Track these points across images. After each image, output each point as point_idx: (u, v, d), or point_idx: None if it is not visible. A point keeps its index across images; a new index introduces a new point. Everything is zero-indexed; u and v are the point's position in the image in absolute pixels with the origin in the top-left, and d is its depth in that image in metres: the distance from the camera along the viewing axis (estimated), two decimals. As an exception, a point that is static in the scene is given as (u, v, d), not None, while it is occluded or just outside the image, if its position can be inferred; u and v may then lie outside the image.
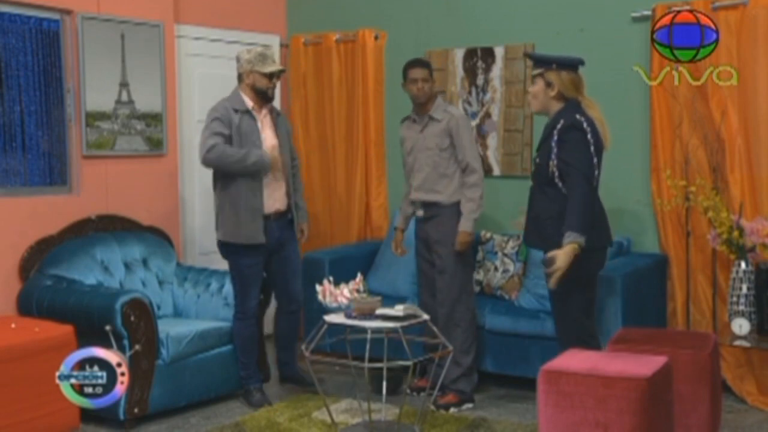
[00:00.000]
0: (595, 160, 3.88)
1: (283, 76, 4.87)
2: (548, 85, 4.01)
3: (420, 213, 4.87)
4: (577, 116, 3.90)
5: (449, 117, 4.78)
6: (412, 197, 4.91)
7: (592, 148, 3.87)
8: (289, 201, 4.88)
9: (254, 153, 4.63)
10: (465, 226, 4.71)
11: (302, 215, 5.01)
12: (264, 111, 4.80)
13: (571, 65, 4.02)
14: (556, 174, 3.88)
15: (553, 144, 3.90)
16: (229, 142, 4.64)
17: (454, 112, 4.83)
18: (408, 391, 4.56)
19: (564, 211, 3.84)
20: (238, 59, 4.79)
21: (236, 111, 4.68)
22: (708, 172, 4.92)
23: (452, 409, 4.72)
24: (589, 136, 3.87)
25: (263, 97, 4.77)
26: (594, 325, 4.10)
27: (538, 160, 4.03)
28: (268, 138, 4.78)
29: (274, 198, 4.79)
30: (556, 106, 4.00)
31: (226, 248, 4.82)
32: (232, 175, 4.66)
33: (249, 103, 4.73)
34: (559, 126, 3.91)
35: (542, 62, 4.07)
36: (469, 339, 4.80)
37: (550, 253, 3.77)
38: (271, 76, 4.75)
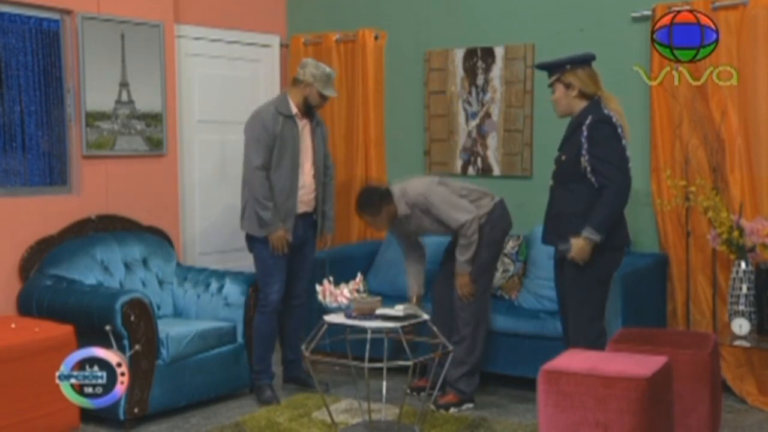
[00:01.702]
0: (628, 153, 3.92)
1: (284, 75, 4.89)
2: (567, 86, 4.03)
3: None
4: (605, 111, 3.92)
5: (413, 205, 4.69)
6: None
7: (623, 141, 3.90)
8: (316, 204, 4.99)
9: (275, 222, 4.73)
10: (456, 268, 4.70)
11: (329, 225, 5.12)
12: (305, 119, 4.91)
13: (585, 61, 4.05)
14: (588, 169, 3.89)
15: (583, 140, 3.91)
16: (270, 149, 4.73)
17: (412, 199, 4.67)
18: (408, 391, 4.56)
19: (588, 210, 3.86)
20: (304, 65, 4.88)
21: (281, 114, 4.79)
22: (708, 172, 4.92)
23: (452, 409, 4.72)
24: (619, 130, 3.90)
25: (309, 110, 4.91)
26: (603, 325, 4.10)
27: (563, 157, 4.03)
28: (305, 142, 4.88)
29: (303, 201, 4.90)
30: (580, 105, 4.03)
31: (251, 241, 4.90)
32: (268, 174, 4.75)
33: (294, 109, 4.85)
34: (587, 121, 3.92)
35: (555, 67, 4.08)
36: (477, 339, 4.80)
37: (565, 247, 3.96)
38: (325, 98, 4.89)
